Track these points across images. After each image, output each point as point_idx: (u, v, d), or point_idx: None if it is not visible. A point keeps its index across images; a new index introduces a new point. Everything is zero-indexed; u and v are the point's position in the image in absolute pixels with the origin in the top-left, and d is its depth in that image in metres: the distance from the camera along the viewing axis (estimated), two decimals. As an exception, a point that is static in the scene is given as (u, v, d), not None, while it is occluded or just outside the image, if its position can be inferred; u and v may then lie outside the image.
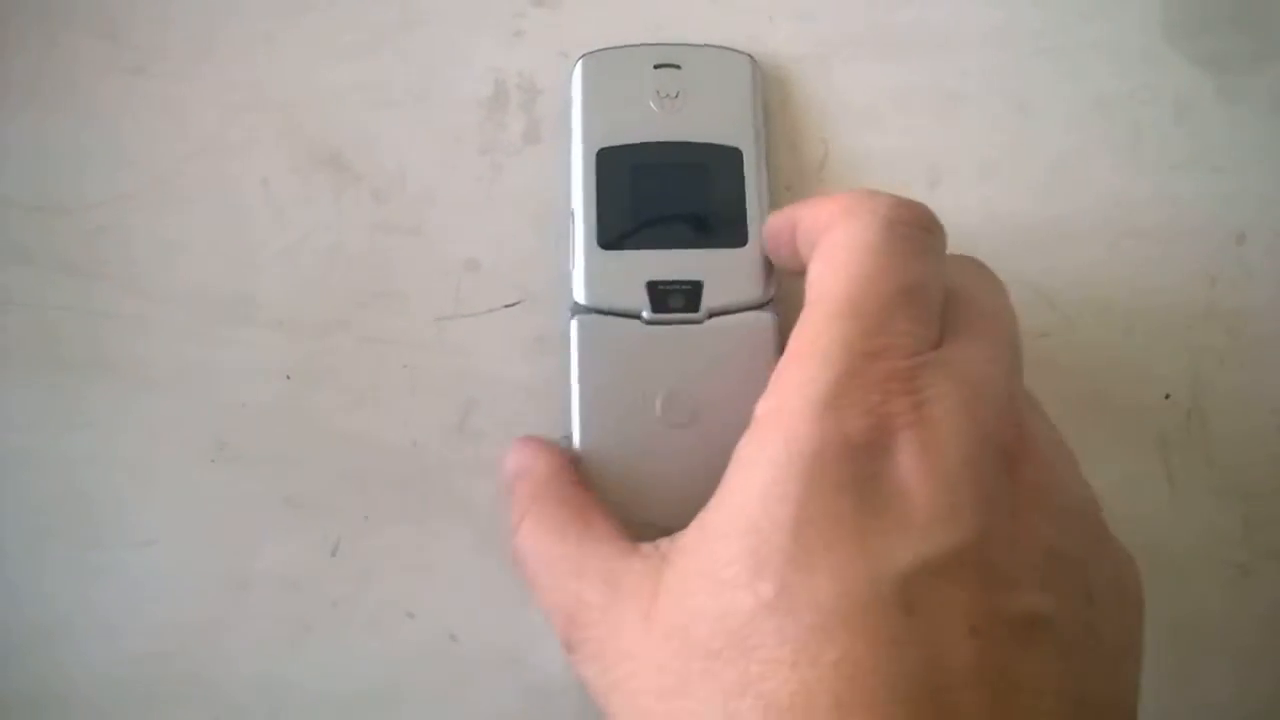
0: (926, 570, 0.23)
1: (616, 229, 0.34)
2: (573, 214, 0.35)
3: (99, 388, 0.36)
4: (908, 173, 0.38)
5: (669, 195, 0.35)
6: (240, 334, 0.36)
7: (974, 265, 0.30)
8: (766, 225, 0.33)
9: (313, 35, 0.38)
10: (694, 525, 0.26)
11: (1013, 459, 0.25)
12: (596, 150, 0.35)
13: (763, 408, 0.26)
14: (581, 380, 0.33)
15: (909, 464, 0.24)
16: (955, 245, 0.37)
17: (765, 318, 0.34)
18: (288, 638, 0.34)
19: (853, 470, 0.24)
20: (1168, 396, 0.37)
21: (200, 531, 0.35)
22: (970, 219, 0.37)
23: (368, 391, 0.36)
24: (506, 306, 0.37)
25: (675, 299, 0.33)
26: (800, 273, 0.29)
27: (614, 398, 0.33)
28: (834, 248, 0.27)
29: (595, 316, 0.34)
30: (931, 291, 0.27)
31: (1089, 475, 0.28)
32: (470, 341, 0.36)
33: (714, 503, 0.26)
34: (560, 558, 0.29)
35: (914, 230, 0.27)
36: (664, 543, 0.27)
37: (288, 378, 0.36)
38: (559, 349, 0.35)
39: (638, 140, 0.35)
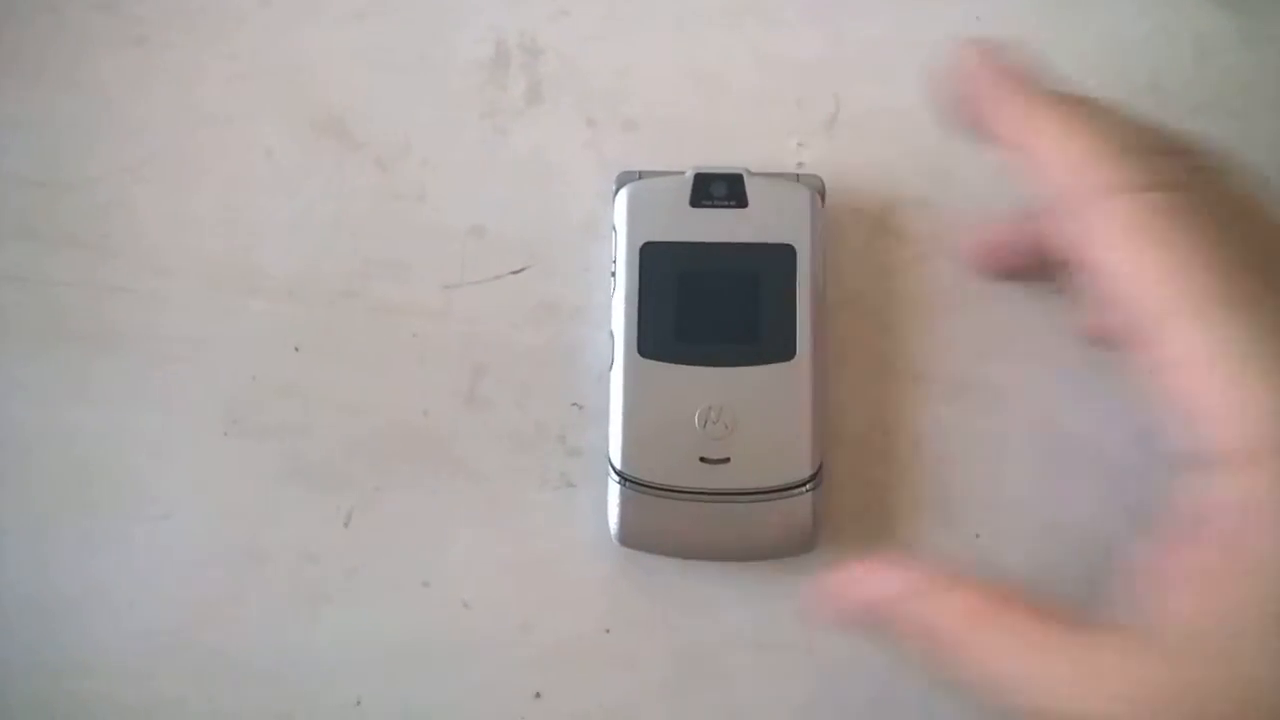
0: None
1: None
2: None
3: (109, 363, 0.36)
4: (925, 122, 0.37)
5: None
6: (248, 306, 0.36)
7: None
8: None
9: (309, 1, 0.38)
10: None
11: None
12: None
13: None
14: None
15: None
16: (972, 190, 0.36)
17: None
18: (304, 608, 0.35)
19: None
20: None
21: (215, 504, 0.35)
22: (987, 160, 0.37)
23: (376, 361, 0.36)
24: (513, 273, 0.36)
25: None
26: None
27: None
28: None
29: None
30: None
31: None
32: (477, 309, 0.36)
33: None
34: None
35: None
36: None
37: (296, 349, 0.36)
38: (566, 314, 0.35)
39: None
